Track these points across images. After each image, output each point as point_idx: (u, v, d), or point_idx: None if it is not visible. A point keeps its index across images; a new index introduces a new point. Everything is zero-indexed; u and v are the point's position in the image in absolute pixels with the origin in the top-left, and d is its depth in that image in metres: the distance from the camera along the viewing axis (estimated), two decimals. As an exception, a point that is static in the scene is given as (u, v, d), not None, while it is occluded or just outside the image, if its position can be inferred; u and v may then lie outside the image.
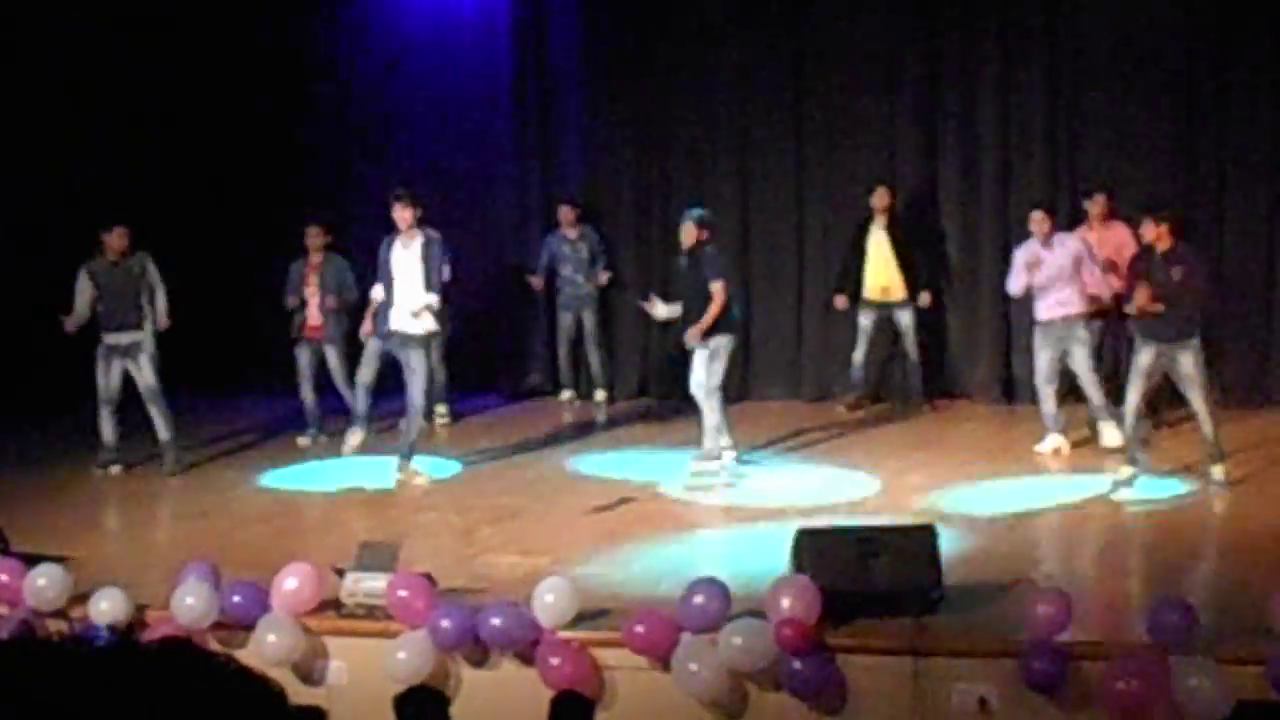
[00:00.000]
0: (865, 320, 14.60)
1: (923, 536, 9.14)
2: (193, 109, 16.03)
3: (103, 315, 13.04)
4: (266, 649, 9.07)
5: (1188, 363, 11.60)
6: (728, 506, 11.83)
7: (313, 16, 16.37)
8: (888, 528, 9.64)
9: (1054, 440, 12.92)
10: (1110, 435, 12.67)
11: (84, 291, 13.03)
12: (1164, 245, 11.68)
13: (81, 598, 9.50)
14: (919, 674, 8.40)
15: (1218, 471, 11.74)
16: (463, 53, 15.98)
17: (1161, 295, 11.56)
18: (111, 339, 13.04)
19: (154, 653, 2.16)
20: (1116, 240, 13.02)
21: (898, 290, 14.50)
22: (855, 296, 14.59)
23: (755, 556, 10.18)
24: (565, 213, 15.08)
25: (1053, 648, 8.27)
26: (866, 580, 8.89)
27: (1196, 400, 11.69)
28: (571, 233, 15.05)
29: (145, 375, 12.97)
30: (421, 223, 12.45)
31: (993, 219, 14.85)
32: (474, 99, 15.96)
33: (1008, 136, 14.84)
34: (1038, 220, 12.82)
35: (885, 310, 14.56)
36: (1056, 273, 12.64)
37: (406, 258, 12.40)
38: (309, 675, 9.14)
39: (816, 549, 9.03)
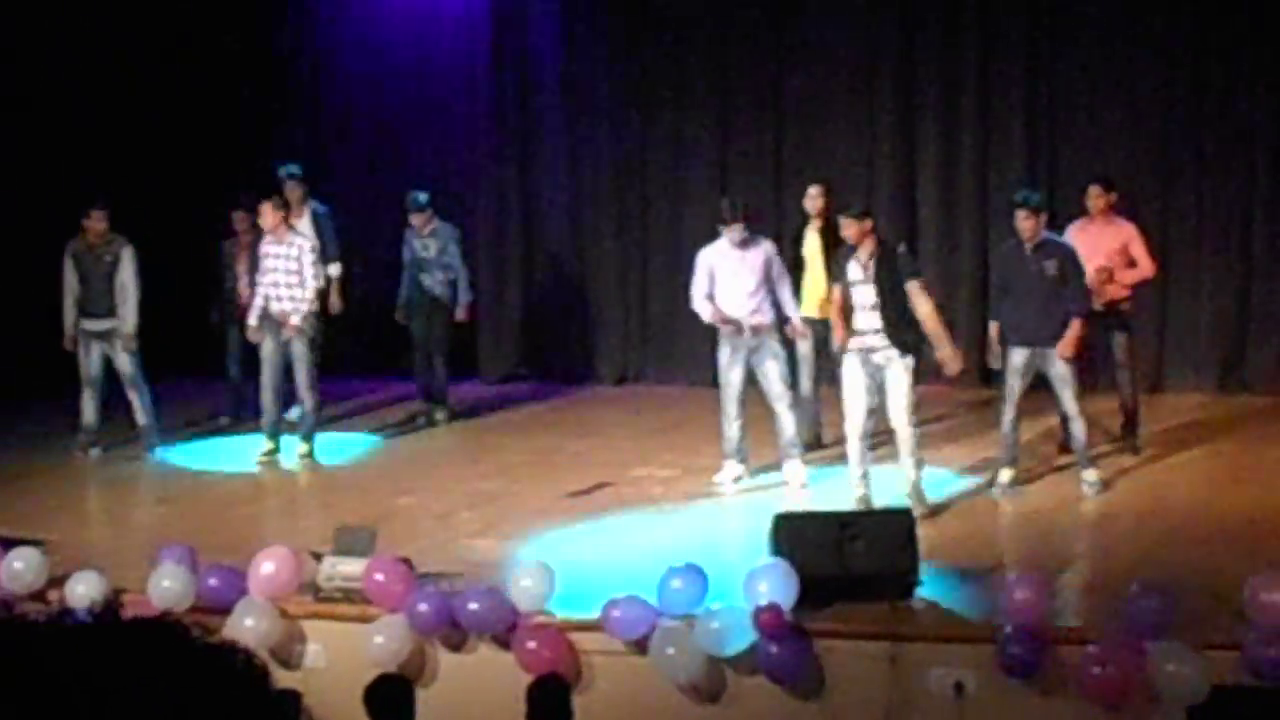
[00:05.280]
0: (805, 346, 12.24)
1: (900, 521, 9.16)
2: (171, 98, 16.03)
3: (80, 299, 13.02)
4: (243, 633, 9.05)
5: (1061, 364, 10.94)
6: (705, 491, 11.80)
7: (290, 11, 16.39)
8: (865, 512, 9.65)
9: (733, 469, 11.71)
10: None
11: (70, 275, 13.00)
12: (1031, 239, 11.04)
13: (58, 581, 9.49)
14: (896, 659, 8.42)
15: (1090, 475, 11.18)
16: (440, 47, 16.02)
17: (1033, 293, 10.96)
18: (88, 324, 13.01)
19: (136, 628, 2.16)
20: (1122, 237, 12.04)
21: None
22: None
23: (733, 541, 10.17)
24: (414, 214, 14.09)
25: (1030, 633, 8.28)
26: (844, 565, 8.91)
27: (1069, 403, 11.02)
28: (424, 230, 14.24)
29: (121, 361, 12.94)
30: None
31: (970, 212, 14.90)
32: (452, 94, 15.99)
33: (987, 129, 14.87)
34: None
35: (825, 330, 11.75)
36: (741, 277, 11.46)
37: None
38: (286, 659, 9.13)
39: (794, 534, 9.04)
